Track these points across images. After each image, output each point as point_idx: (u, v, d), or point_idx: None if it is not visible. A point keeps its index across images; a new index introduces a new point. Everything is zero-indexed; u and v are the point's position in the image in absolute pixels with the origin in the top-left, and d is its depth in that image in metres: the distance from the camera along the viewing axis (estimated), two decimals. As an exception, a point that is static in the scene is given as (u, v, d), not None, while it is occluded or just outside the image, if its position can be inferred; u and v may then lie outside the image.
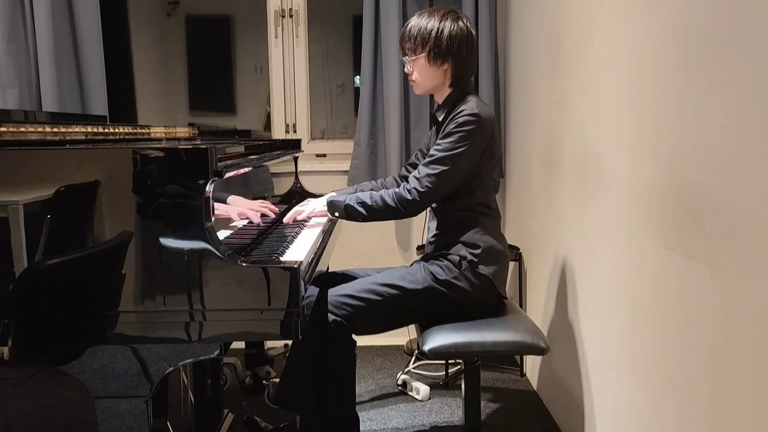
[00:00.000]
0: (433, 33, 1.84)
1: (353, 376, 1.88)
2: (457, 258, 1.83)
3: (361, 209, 1.84)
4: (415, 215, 1.87)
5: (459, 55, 1.86)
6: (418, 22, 1.87)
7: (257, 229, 1.79)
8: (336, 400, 1.82)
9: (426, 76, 1.89)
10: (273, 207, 1.95)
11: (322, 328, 1.76)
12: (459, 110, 1.81)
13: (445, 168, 1.79)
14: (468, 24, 1.89)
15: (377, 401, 2.54)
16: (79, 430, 1.63)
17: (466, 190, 1.86)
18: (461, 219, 1.87)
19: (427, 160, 1.82)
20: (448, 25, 1.84)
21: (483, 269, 1.83)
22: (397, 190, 1.83)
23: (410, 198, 1.80)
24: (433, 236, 1.95)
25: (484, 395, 2.55)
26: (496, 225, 1.93)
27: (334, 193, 2.06)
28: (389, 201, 1.82)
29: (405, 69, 1.96)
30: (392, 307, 1.81)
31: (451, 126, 1.80)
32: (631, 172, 1.66)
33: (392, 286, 1.81)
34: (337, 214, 1.90)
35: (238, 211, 1.71)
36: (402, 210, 1.82)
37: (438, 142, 1.83)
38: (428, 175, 1.79)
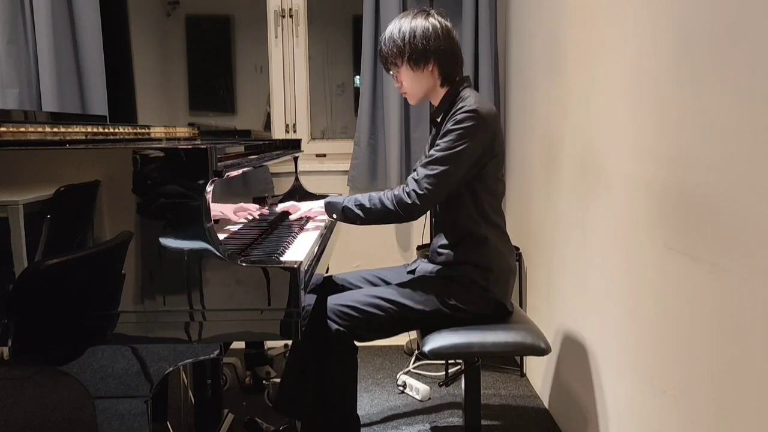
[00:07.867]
0: (406, 38, 1.78)
1: (355, 380, 1.85)
2: (468, 281, 1.79)
3: (358, 211, 1.78)
4: (415, 219, 1.81)
5: (439, 52, 1.80)
6: (390, 32, 1.83)
7: (257, 229, 1.79)
8: (337, 405, 1.80)
9: (414, 84, 1.84)
10: (256, 210, 1.85)
11: (322, 334, 1.74)
12: (457, 108, 1.76)
13: (443, 168, 1.72)
14: (440, 18, 1.83)
15: (377, 401, 2.54)
16: (79, 430, 1.62)
17: (473, 197, 1.81)
18: (470, 233, 1.81)
19: (426, 160, 1.76)
20: (419, 26, 1.79)
21: (494, 292, 1.81)
22: (396, 192, 1.77)
23: (409, 201, 1.73)
24: (441, 247, 1.88)
25: (484, 395, 2.54)
26: (504, 237, 1.88)
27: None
28: (387, 203, 1.75)
29: (395, 84, 1.91)
30: (395, 321, 1.80)
31: (450, 124, 1.75)
32: (632, 172, 1.66)
33: (397, 303, 1.78)
34: (335, 215, 1.84)
35: (220, 218, 1.62)
36: (401, 213, 1.75)
37: (437, 142, 1.77)
38: (426, 176, 1.73)
